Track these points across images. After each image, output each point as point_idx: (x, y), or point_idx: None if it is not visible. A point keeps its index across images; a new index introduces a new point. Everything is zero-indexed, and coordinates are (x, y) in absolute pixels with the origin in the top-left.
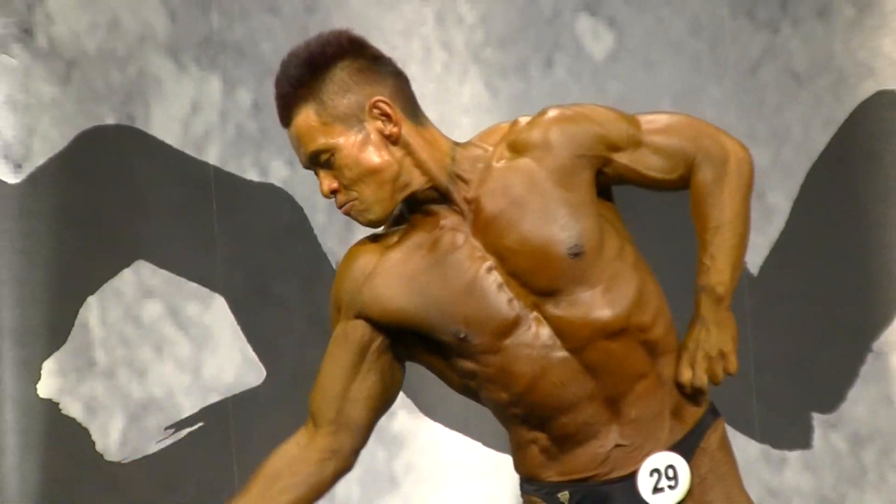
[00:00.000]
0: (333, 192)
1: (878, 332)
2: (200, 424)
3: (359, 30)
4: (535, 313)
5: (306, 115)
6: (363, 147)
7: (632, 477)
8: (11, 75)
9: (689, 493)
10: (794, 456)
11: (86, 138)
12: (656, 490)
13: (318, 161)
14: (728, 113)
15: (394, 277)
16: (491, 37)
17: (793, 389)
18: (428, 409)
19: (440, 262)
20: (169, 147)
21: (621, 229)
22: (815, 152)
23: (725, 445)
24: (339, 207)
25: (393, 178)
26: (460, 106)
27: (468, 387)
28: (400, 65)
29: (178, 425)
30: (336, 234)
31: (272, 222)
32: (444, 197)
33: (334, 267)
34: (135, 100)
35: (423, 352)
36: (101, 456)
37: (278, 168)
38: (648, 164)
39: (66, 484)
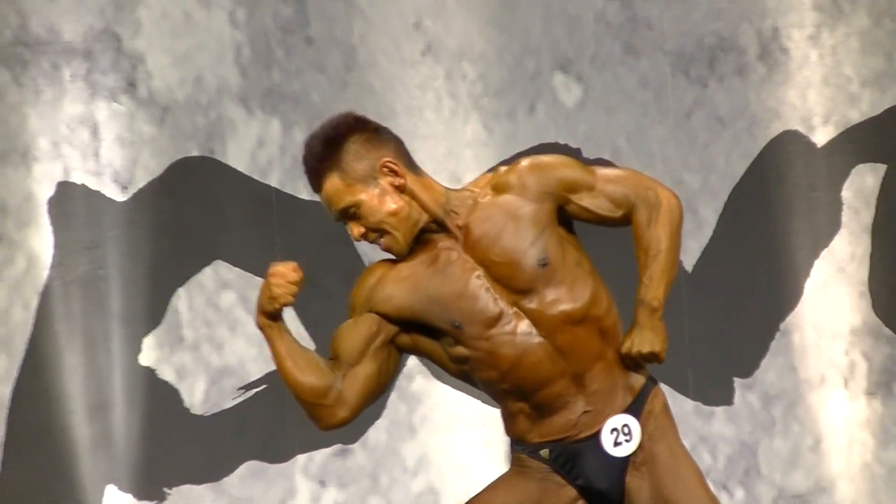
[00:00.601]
0: (363, 236)
1: (784, 315)
2: (264, 386)
3: (384, 83)
4: (514, 309)
5: (332, 182)
6: (381, 198)
7: (596, 436)
8: (120, 119)
9: (640, 445)
10: (719, 410)
11: (177, 167)
12: (616, 444)
13: (348, 214)
14: (668, 148)
15: (402, 282)
16: (488, 89)
17: (718, 360)
18: (438, 374)
19: (439, 272)
20: (241, 174)
21: (579, 248)
22: (735, 178)
23: (667, 409)
24: (372, 242)
25: (406, 216)
26: (464, 142)
27: (463, 371)
28: (416, 111)
29: (247, 387)
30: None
31: (320, 231)
32: (440, 226)
33: (366, 265)
34: (214, 138)
35: (424, 342)
36: (188, 410)
37: None
38: (599, 205)
39: (162, 432)
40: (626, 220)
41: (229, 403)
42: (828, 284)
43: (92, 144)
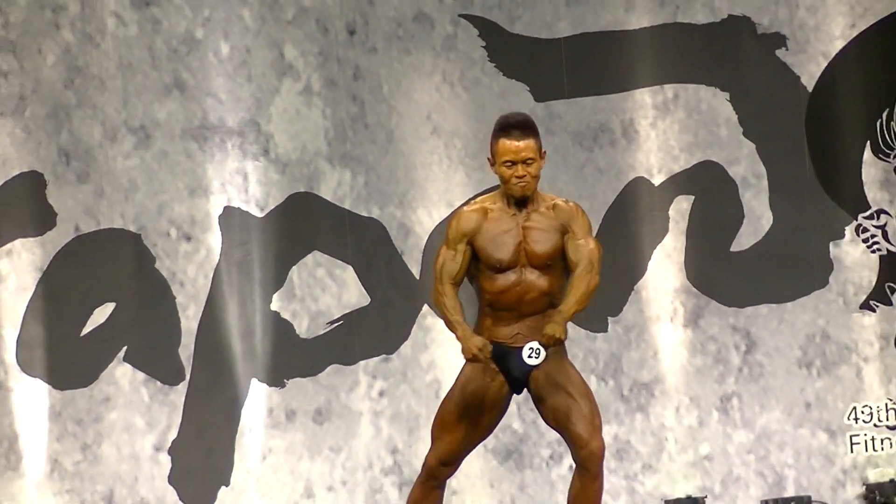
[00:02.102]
0: (520, 176)
1: (637, 280)
2: (340, 322)
3: (410, 149)
4: (523, 267)
5: (529, 142)
6: (539, 166)
7: (520, 348)
8: (259, 170)
9: (544, 365)
10: (599, 335)
11: (291, 197)
12: (528, 357)
13: (524, 159)
14: (570, 186)
15: (490, 229)
16: (468, 153)
17: (601, 306)
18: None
19: (507, 229)
20: (327, 201)
21: (563, 260)
22: (608, 203)
23: (563, 349)
24: (519, 181)
25: (537, 181)
26: (455, 183)
27: (475, 277)
28: (427, 165)
29: (331, 322)
30: (399, 244)
31: (371, 235)
32: (522, 203)
33: (403, 257)
34: (313, 180)
35: (475, 256)
36: (298, 336)
37: (374, 211)
38: (570, 249)
39: (283, 348)
40: (573, 268)
41: (322, 331)
42: (661, 264)
43: (243, 185)
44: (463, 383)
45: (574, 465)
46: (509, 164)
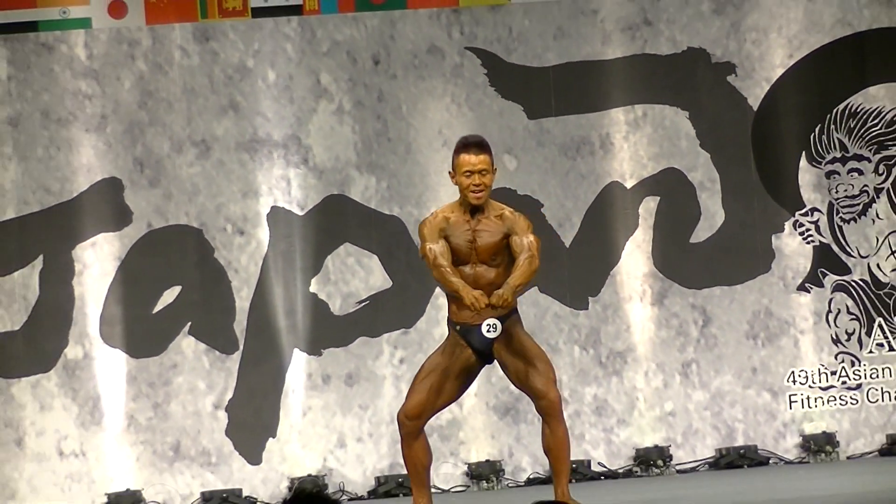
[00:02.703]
0: (476, 185)
1: (612, 267)
2: (367, 302)
3: (424, 159)
4: (475, 264)
5: (484, 156)
6: (491, 178)
7: (479, 325)
8: (300, 176)
9: (502, 337)
10: (581, 312)
11: (327, 199)
12: (487, 331)
13: (479, 171)
14: (557, 190)
15: (451, 231)
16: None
17: (581, 288)
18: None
19: (463, 231)
20: (356, 202)
21: (508, 256)
22: (589, 203)
23: (520, 321)
24: (475, 191)
25: (489, 191)
26: None
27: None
28: (439, 172)
29: (360, 302)
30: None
31: (393, 230)
32: (475, 210)
33: (418, 249)
34: (344, 185)
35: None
36: (332, 313)
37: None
38: (514, 244)
39: (318, 323)
40: (516, 258)
41: (352, 309)
42: (632, 252)
43: (286, 188)
44: (437, 353)
45: (539, 417)
46: (468, 174)
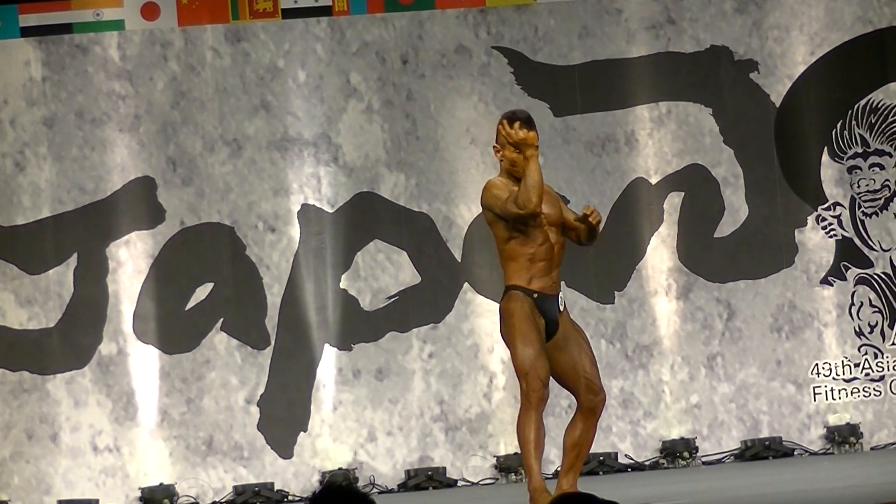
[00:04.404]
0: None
1: (638, 262)
2: (396, 298)
3: (452, 157)
4: (549, 227)
5: (533, 133)
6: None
7: (557, 295)
8: (330, 174)
9: (567, 321)
10: (608, 306)
11: (356, 196)
12: (560, 304)
13: (534, 145)
14: (584, 185)
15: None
16: None
17: (608, 282)
18: (481, 291)
19: None
20: (385, 199)
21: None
22: (614, 198)
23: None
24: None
25: None
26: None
27: (514, 237)
28: (466, 170)
29: (390, 298)
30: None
31: (422, 224)
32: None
33: (447, 244)
34: (374, 182)
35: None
36: (362, 308)
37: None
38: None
39: (349, 319)
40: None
41: (381, 305)
42: (657, 247)
43: (317, 186)
44: (523, 320)
45: (578, 409)
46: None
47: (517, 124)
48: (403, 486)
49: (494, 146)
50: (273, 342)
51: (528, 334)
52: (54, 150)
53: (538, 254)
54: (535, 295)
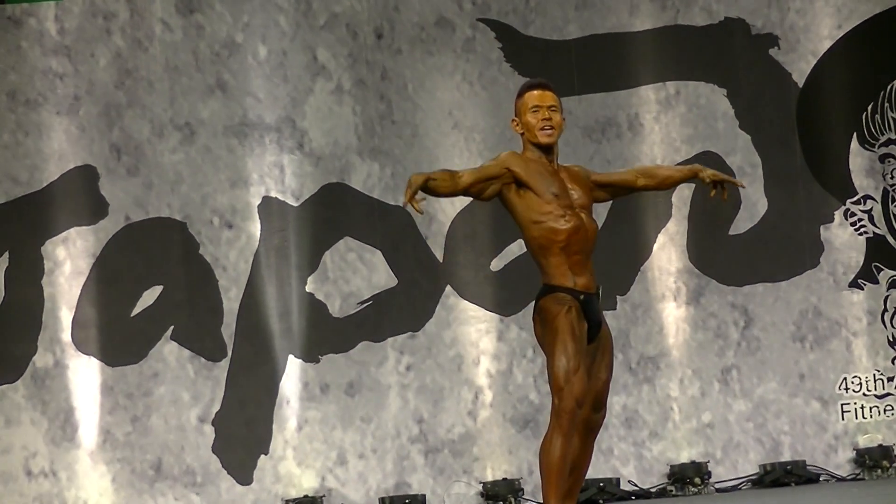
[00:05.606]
0: (548, 120)
1: (643, 262)
2: (370, 303)
3: (433, 143)
4: (578, 210)
5: (553, 94)
6: (560, 119)
7: (596, 292)
8: (295, 163)
9: (605, 328)
10: (609, 314)
11: (324, 188)
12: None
13: (549, 106)
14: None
15: (528, 164)
16: (486, 146)
17: (614, 286)
18: (463, 295)
19: (549, 176)
20: (357, 191)
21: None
22: None
23: None
24: (544, 128)
25: (560, 130)
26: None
27: (538, 226)
28: (449, 157)
29: (361, 303)
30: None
31: (397, 220)
32: (549, 152)
33: (430, 246)
34: (344, 172)
35: (524, 202)
36: (330, 315)
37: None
38: (610, 179)
39: (316, 326)
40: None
41: (353, 311)
42: (665, 247)
43: (280, 176)
44: (565, 329)
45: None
46: (535, 108)
47: (529, 93)
48: None
49: (513, 119)
50: (230, 353)
51: (571, 344)
52: None
53: (572, 244)
54: (583, 296)
